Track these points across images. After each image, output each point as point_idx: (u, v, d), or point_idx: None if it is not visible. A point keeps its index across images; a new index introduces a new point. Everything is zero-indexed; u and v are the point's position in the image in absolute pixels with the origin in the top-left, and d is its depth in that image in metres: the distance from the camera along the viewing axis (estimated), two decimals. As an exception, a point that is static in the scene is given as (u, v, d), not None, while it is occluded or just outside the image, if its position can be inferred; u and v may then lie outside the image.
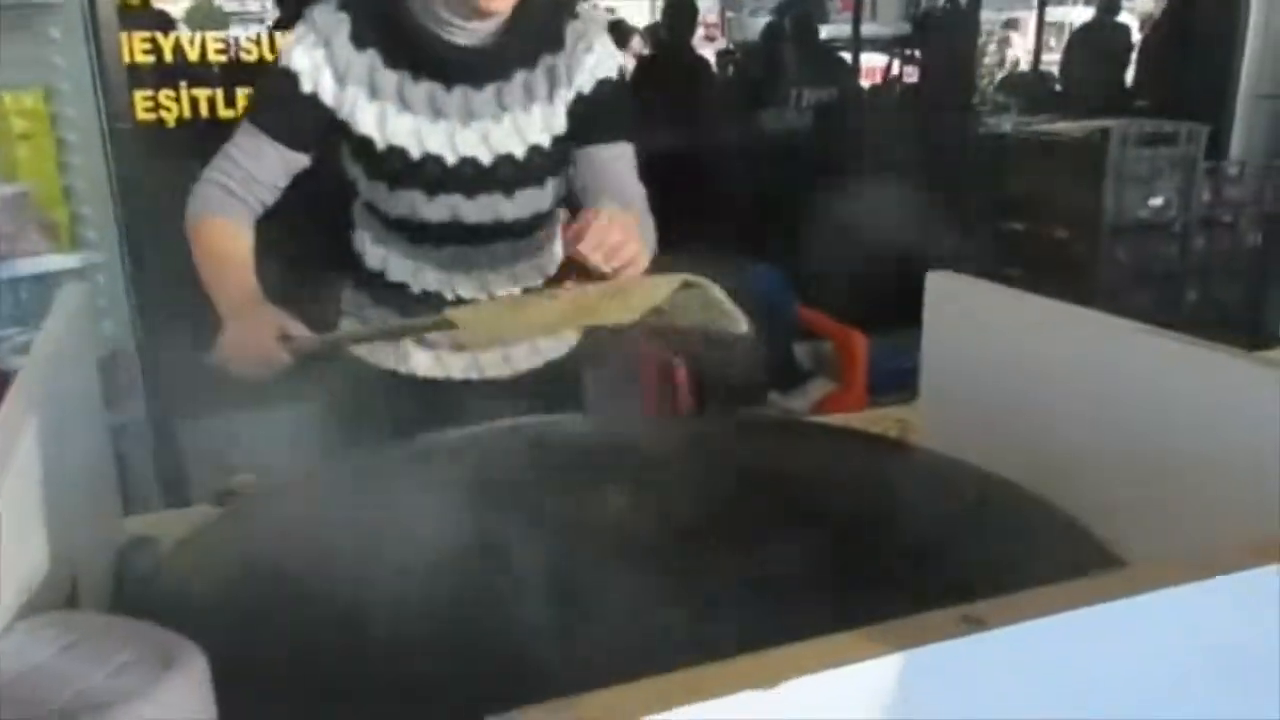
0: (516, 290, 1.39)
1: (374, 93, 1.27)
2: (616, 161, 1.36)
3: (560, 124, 1.33)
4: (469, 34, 1.28)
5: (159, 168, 2.17)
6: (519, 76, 1.31)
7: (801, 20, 5.80)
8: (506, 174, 1.32)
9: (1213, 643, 0.51)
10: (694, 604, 0.59)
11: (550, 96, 1.32)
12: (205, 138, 1.90)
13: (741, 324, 1.00)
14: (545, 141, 1.33)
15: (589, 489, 0.81)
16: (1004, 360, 0.98)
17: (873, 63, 6.51)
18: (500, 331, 1.14)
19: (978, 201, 3.45)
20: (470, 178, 1.31)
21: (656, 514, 0.78)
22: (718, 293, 1.00)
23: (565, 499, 0.79)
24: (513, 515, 0.73)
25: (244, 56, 2.57)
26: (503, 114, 1.31)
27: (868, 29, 6.00)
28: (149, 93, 2.47)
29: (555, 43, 1.32)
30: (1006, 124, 3.51)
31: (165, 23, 3.23)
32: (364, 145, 1.29)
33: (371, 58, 1.28)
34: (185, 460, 2.40)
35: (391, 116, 1.28)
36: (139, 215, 2.30)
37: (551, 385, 1.43)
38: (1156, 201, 3.14)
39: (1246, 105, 3.72)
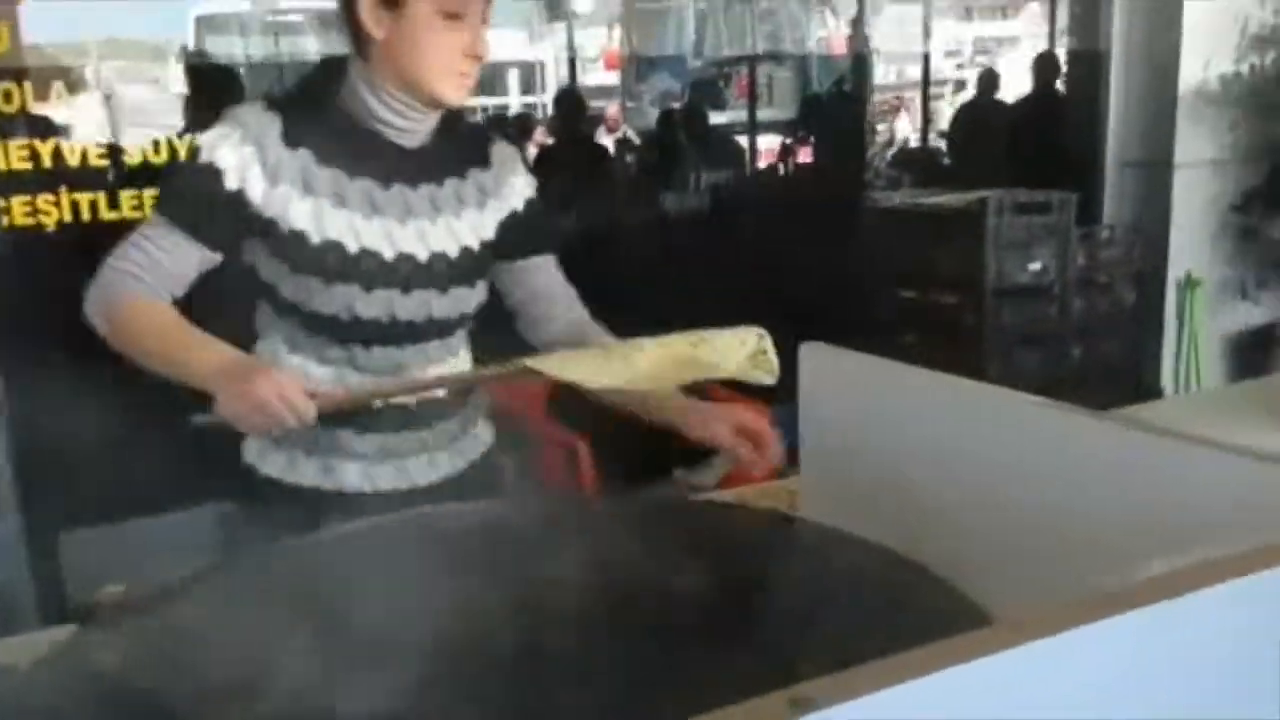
0: (440, 393, 1.39)
1: (307, 189, 1.28)
2: (551, 269, 1.47)
3: (489, 233, 1.39)
4: (407, 135, 1.33)
5: (33, 276, 2.12)
6: (450, 184, 1.37)
7: (692, 109, 6.02)
8: (441, 271, 1.35)
9: (1072, 695, 0.52)
10: (541, 685, 0.58)
11: (479, 205, 1.39)
12: (85, 246, 1.87)
13: (775, 377, 1.09)
14: (475, 245, 1.38)
15: (445, 578, 0.79)
16: (876, 428, 1.00)
17: (770, 144, 6.74)
18: (598, 379, 1.12)
19: (872, 272, 3.57)
20: (407, 274, 1.33)
21: (515, 600, 0.77)
22: (769, 344, 1.10)
23: (427, 589, 0.78)
24: (376, 613, 0.72)
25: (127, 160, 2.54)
26: (437, 215, 1.35)
27: (764, 114, 6.23)
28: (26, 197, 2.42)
29: (482, 159, 1.41)
30: (895, 197, 3.65)
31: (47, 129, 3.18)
32: (294, 240, 1.28)
33: (304, 157, 1.28)
34: (62, 573, 2.30)
35: (327, 211, 1.28)
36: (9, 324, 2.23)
37: (477, 483, 1.42)
38: (1035, 266, 3.29)
39: (1114, 172, 3.94)
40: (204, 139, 1.28)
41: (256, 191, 1.27)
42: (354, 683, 0.66)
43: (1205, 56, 3.74)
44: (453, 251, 1.36)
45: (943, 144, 7.07)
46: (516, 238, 1.43)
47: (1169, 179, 3.79)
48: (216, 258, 1.29)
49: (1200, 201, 3.86)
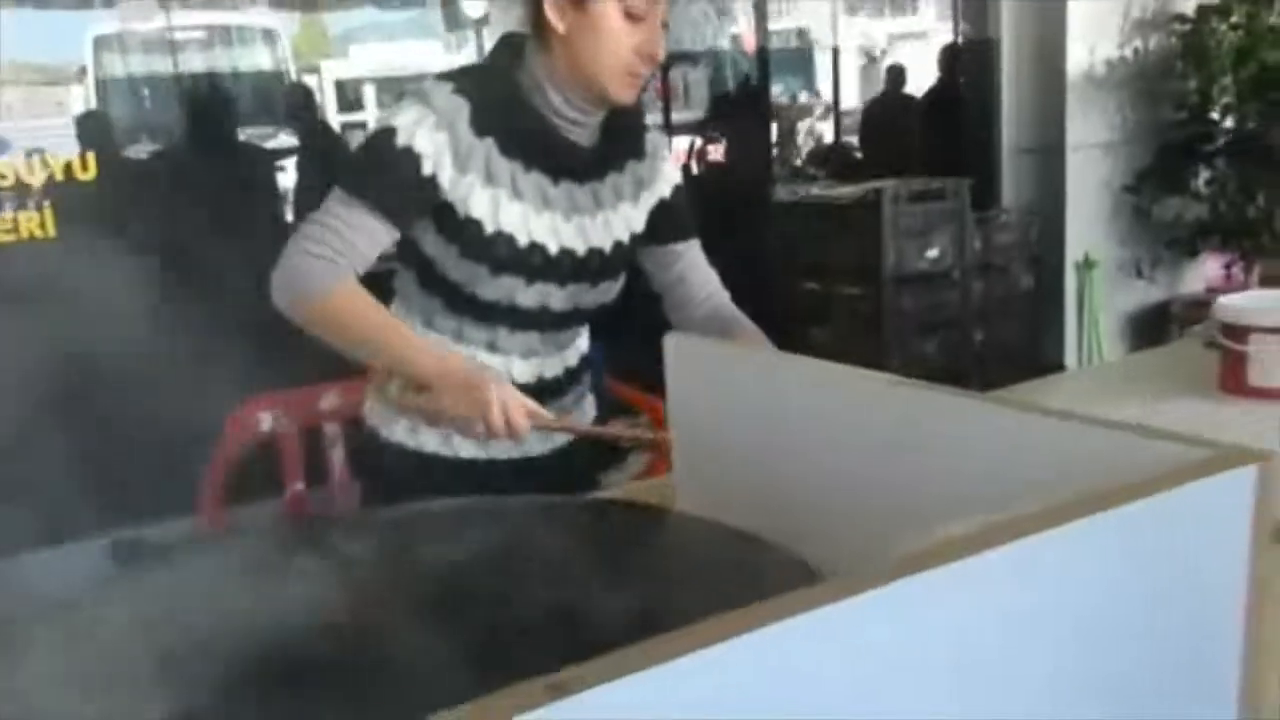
0: (559, 374, 1.45)
1: (489, 179, 1.30)
2: (695, 253, 1.50)
3: (640, 224, 1.43)
4: (579, 132, 1.35)
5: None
6: (610, 179, 1.40)
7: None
8: (594, 266, 1.39)
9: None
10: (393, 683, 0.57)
11: (634, 198, 1.42)
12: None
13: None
14: (626, 239, 1.42)
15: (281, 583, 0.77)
16: (741, 415, 1.00)
17: (683, 145, 6.78)
18: None
19: (778, 266, 3.60)
20: (566, 268, 1.36)
21: (353, 600, 0.76)
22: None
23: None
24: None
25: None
26: (598, 210, 1.38)
27: (681, 115, 6.26)
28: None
29: (639, 151, 1.43)
30: (797, 192, 3.69)
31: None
32: (469, 227, 1.30)
33: (489, 145, 1.30)
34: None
35: (504, 203, 1.31)
36: None
37: (585, 456, 1.50)
38: (933, 253, 3.35)
39: (1011, 158, 4.03)
40: (399, 122, 1.27)
41: (446, 177, 1.29)
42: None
43: (1091, 42, 3.85)
44: (607, 247, 1.39)
45: (855, 139, 7.20)
46: (664, 224, 1.46)
47: (1062, 163, 3.89)
48: (396, 236, 1.31)
49: (1094, 184, 3.97)
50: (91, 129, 4.81)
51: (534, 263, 1.35)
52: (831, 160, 6.75)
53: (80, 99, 6.46)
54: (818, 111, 9.37)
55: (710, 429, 1.07)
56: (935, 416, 0.78)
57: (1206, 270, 4.26)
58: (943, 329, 3.40)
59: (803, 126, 8.89)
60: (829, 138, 8.62)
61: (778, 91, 7.41)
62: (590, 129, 1.36)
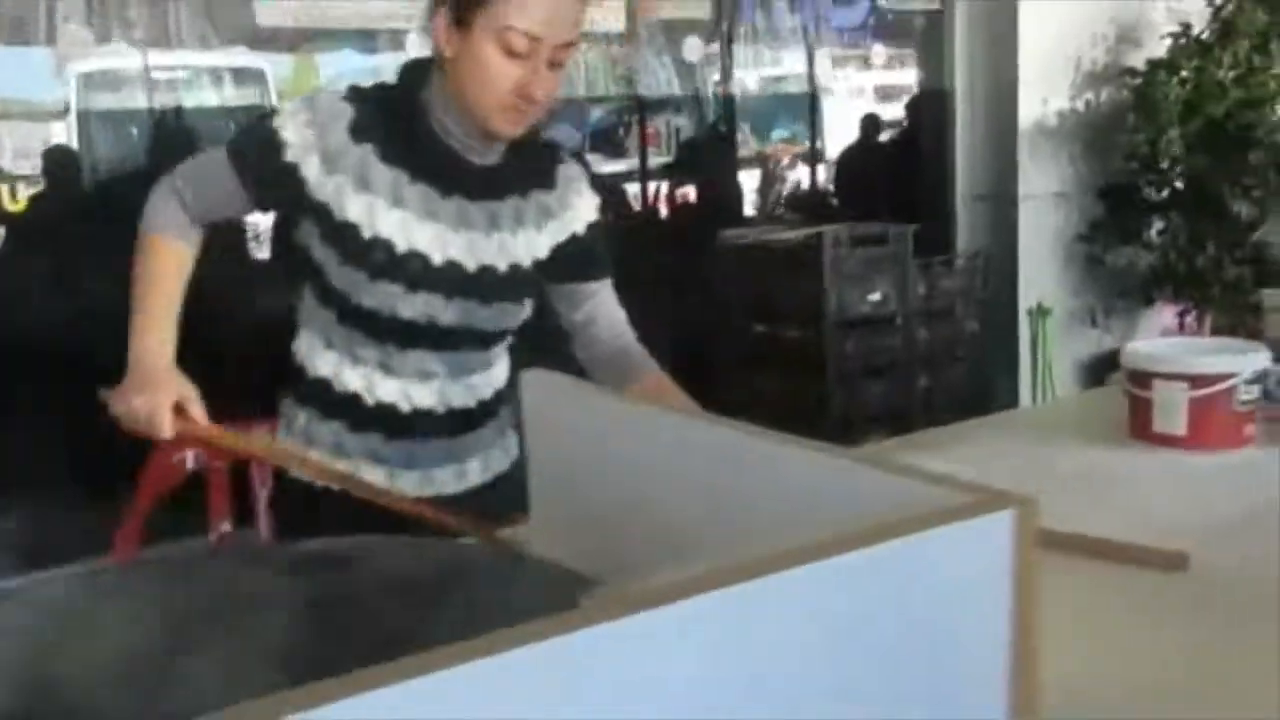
0: (470, 404, 1.44)
1: (363, 185, 1.32)
2: (606, 294, 1.48)
3: (543, 251, 1.41)
4: (475, 152, 1.36)
5: None
6: (511, 201, 1.39)
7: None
8: (488, 283, 1.38)
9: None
10: None
11: (538, 226, 1.41)
12: None
13: None
14: (526, 263, 1.40)
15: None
16: (588, 457, 0.99)
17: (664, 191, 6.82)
18: None
19: (725, 309, 3.61)
20: (452, 280, 1.35)
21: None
22: None
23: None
24: None
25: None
26: (492, 230, 1.37)
27: (662, 160, 6.31)
28: None
29: (548, 181, 1.43)
30: (744, 235, 3.71)
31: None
32: (346, 231, 1.31)
33: (366, 152, 1.31)
34: None
35: (381, 210, 1.31)
36: None
37: (505, 495, 1.42)
38: (875, 297, 3.37)
39: (966, 206, 4.06)
40: (283, 109, 1.36)
41: (311, 172, 1.31)
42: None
43: (1043, 93, 3.90)
44: (501, 266, 1.38)
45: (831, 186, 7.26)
46: (576, 261, 1.45)
47: (1014, 212, 3.92)
48: (251, 212, 1.40)
49: (1047, 232, 4.00)
50: (55, 162, 4.85)
51: (414, 270, 1.33)
52: (807, 205, 6.80)
53: (61, 134, 6.52)
54: (786, 160, 9.44)
55: (561, 470, 1.05)
56: (751, 460, 0.77)
57: (1162, 319, 4.29)
58: (887, 373, 3.41)
59: (782, 172, 8.96)
60: (805, 184, 8.75)
61: (747, 137, 7.50)
62: (491, 150, 1.37)
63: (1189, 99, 3.72)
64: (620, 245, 4.86)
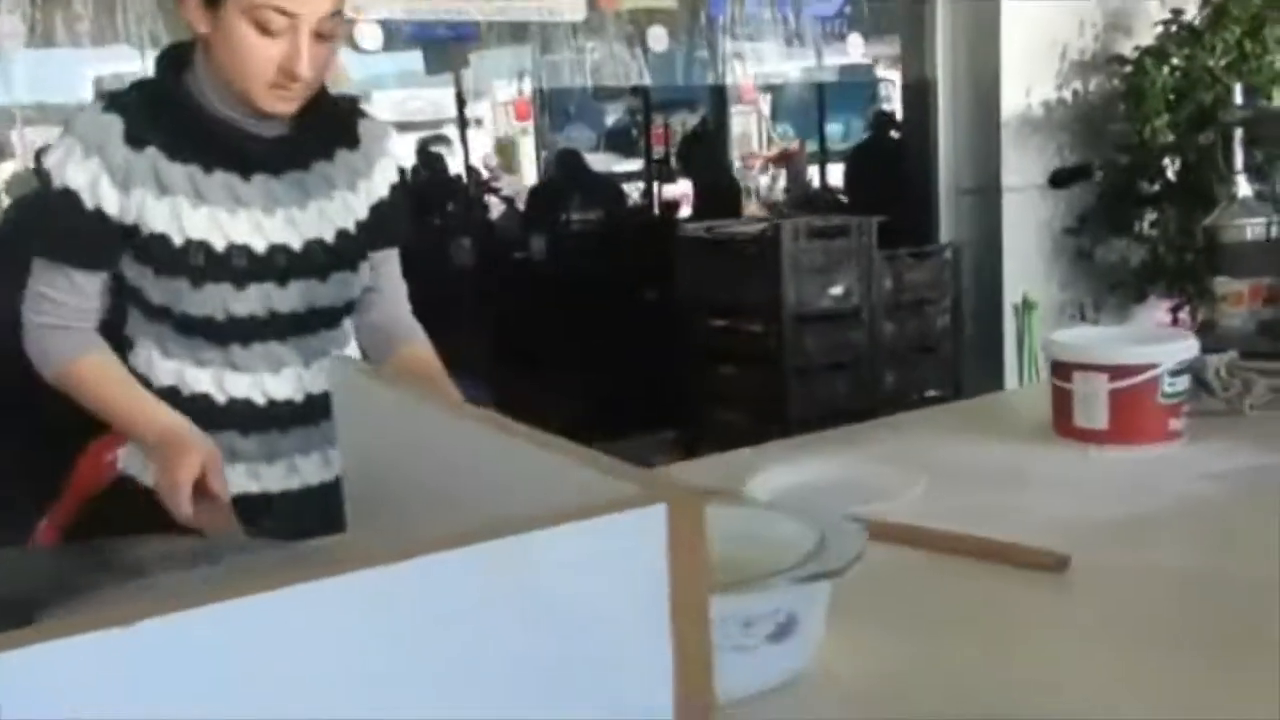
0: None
1: (162, 190, 1.22)
2: (394, 263, 1.44)
3: (364, 211, 1.35)
4: (260, 126, 1.27)
5: None
6: (317, 167, 1.32)
7: (564, 157, 6.04)
8: (319, 258, 1.31)
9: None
10: None
11: (351, 186, 1.34)
12: None
13: None
14: (351, 227, 1.34)
15: None
16: (377, 447, 0.92)
17: (679, 190, 6.76)
18: None
19: (686, 301, 3.53)
20: (282, 265, 1.28)
21: None
22: None
23: None
24: None
25: None
26: (307, 200, 1.30)
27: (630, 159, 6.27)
28: None
29: (350, 139, 1.36)
30: (705, 228, 3.62)
31: None
32: (157, 244, 1.23)
33: (153, 156, 1.22)
34: None
35: (186, 211, 1.23)
36: None
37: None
38: (836, 291, 3.26)
39: (950, 198, 3.96)
40: (50, 161, 1.24)
41: (112, 204, 1.23)
42: None
43: (1027, 83, 3.79)
44: (329, 236, 1.31)
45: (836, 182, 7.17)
46: (378, 226, 1.38)
47: (999, 203, 3.81)
48: (107, 279, 1.29)
49: (1033, 225, 3.89)
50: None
51: (239, 265, 1.26)
52: (816, 204, 6.71)
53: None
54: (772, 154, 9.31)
55: (362, 460, 0.99)
56: (476, 452, 0.70)
57: (1155, 314, 4.16)
58: (850, 368, 3.31)
59: (788, 170, 8.87)
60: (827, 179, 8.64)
61: (742, 132, 7.40)
62: (274, 124, 1.28)
63: (1179, 87, 3.60)
64: (598, 241, 4.82)
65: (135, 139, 1.22)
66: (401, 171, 1.43)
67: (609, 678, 0.51)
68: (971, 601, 1.01)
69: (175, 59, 1.28)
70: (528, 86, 8.87)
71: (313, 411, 1.36)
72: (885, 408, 3.19)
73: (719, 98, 5.71)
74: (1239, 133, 1.82)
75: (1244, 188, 1.81)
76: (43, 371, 1.28)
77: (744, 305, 3.33)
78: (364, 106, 1.45)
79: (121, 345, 1.34)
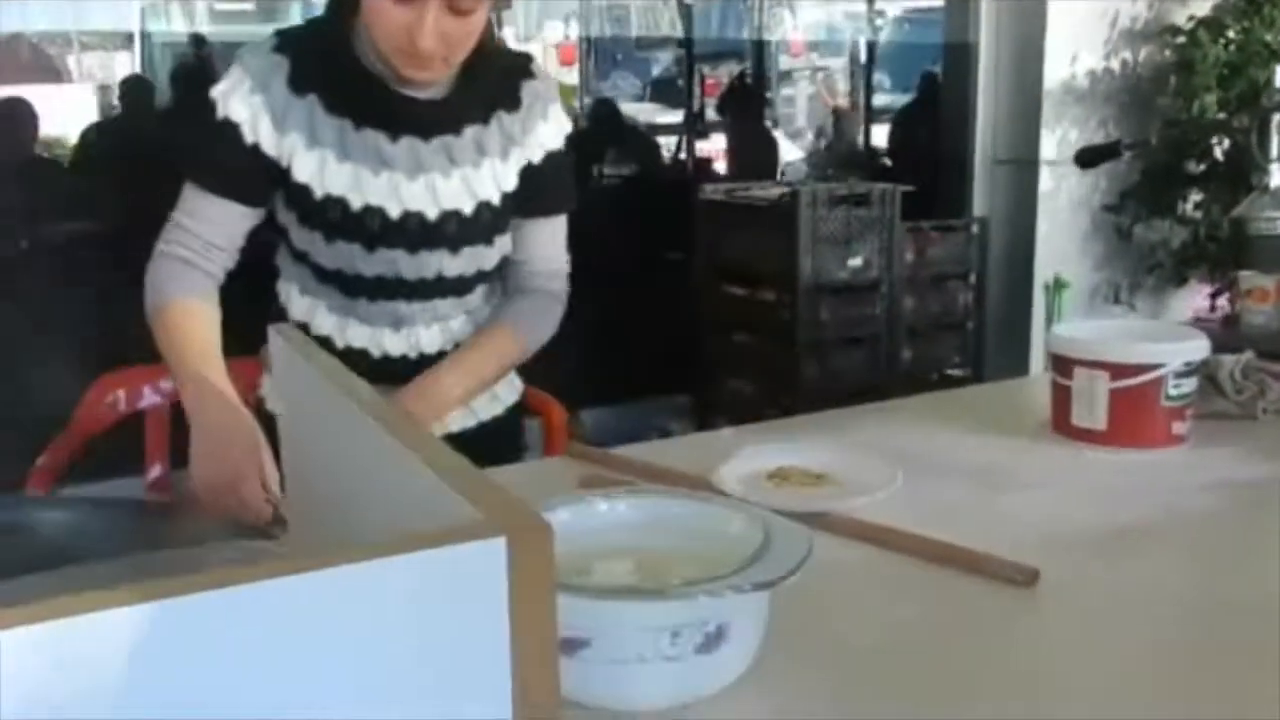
0: (448, 348, 1.35)
1: (313, 140, 1.21)
2: (553, 234, 1.37)
3: (511, 182, 1.30)
4: (416, 87, 1.24)
5: None
6: (470, 131, 1.28)
7: (599, 105, 5.93)
8: (453, 230, 1.28)
9: None
10: None
11: (503, 154, 1.30)
12: None
13: None
14: (495, 198, 1.29)
15: None
16: (305, 428, 0.88)
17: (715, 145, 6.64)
18: None
19: (700, 267, 3.45)
20: (414, 233, 1.26)
21: None
22: None
23: None
24: None
25: None
26: (452, 169, 1.27)
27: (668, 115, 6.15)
28: None
29: (511, 101, 1.30)
30: (724, 191, 3.52)
31: None
32: (300, 193, 1.22)
33: (311, 103, 1.21)
34: None
35: (331, 165, 1.22)
36: None
37: (488, 443, 1.38)
38: (855, 262, 3.17)
39: (985, 169, 3.83)
40: (216, 91, 1.23)
41: (269, 143, 1.22)
42: None
43: (1073, 51, 3.64)
44: (467, 208, 1.28)
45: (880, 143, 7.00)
46: (527, 193, 1.33)
47: (1035, 176, 3.68)
48: (260, 214, 1.26)
49: (1071, 201, 3.75)
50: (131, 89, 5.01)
51: (372, 228, 1.25)
52: (860, 165, 6.55)
53: (126, 64, 6.75)
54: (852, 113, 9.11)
55: (290, 434, 0.95)
56: (363, 445, 0.66)
57: (1195, 300, 4.02)
58: (867, 343, 3.22)
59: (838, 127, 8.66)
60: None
61: (787, 90, 7.23)
62: (431, 88, 1.25)
63: (1232, 62, 3.43)
64: (626, 197, 4.75)
65: (298, 84, 1.22)
66: (567, 136, 1.35)
67: (447, 711, 0.47)
68: (934, 611, 0.97)
69: (342, 7, 1.24)
70: (574, 30, 8.76)
71: (423, 368, 1.34)
72: (901, 384, 3.12)
73: (762, 51, 5.56)
74: (1277, 118, 1.71)
75: (1278, 176, 1.71)
76: (147, 300, 1.24)
77: (760, 273, 3.25)
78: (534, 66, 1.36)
79: (272, 273, 1.37)
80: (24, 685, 0.39)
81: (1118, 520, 1.16)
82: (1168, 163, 3.66)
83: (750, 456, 1.29)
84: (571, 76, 8.76)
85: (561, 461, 1.39)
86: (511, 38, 7.55)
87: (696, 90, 6.31)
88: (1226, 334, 1.54)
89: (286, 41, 1.25)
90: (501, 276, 1.40)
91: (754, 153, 5.45)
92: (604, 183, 5.20)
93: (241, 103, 1.21)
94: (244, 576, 0.44)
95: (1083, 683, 0.83)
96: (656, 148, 6.02)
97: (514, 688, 0.46)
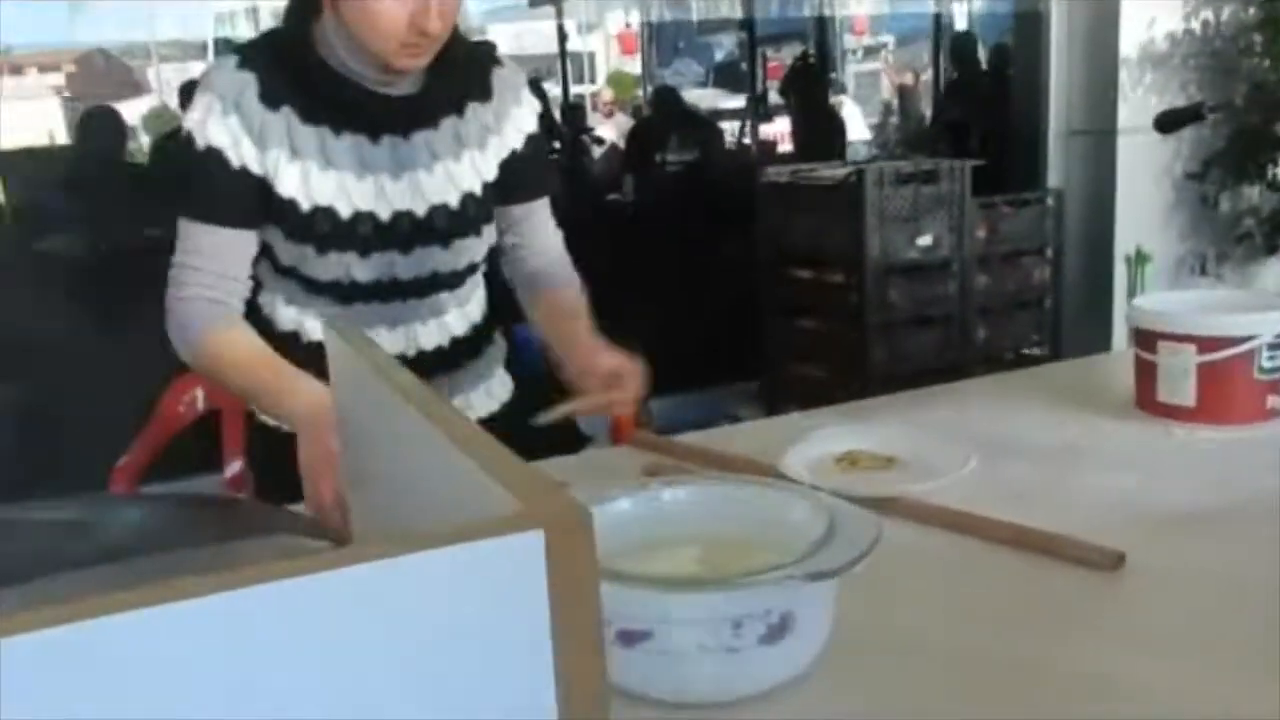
0: (444, 343, 1.36)
1: (294, 152, 1.21)
2: (542, 214, 1.39)
3: (492, 171, 1.30)
4: (390, 85, 1.23)
5: None
6: (447, 124, 1.27)
7: (661, 93, 5.89)
8: (442, 225, 1.28)
9: None
10: None
11: (481, 144, 1.30)
12: None
13: None
14: (477, 189, 1.30)
15: None
16: (358, 423, 0.87)
17: (778, 129, 6.56)
18: None
19: (765, 251, 3.39)
20: (405, 233, 1.26)
21: None
22: None
23: None
24: None
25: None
26: (434, 163, 1.26)
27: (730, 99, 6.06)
28: None
29: (483, 91, 1.30)
30: (787, 172, 3.45)
31: None
32: (287, 208, 1.22)
33: (287, 116, 1.21)
34: None
35: (315, 175, 1.21)
36: None
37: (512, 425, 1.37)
38: (925, 241, 3.07)
39: (1060, 141, 3.70)
40: (190, 121, 1.21)
41: (254, 161, 1.20)
42: None
43: (1150, 13, 3.49)
44: (453, 201, 1.28)
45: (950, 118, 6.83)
46: (514, 180, 1.34)
47: (1113, 146, 3.54)
48: (258, 236, 1.24)
49: (1152, 171, 3.61)
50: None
51: (363, 234, 1.24)
52: (923, 140, 6.40)
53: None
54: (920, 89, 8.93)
55: (346, 430, 0.95)
56: (410, 436, 0.65)
57: (1286, 269, 3.85)
58: (939, 323, 3.13)
59: (905, 104, 8.49)
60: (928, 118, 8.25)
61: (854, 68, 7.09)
62: (405, 82, 1.24)
63: (1323, 17, 3.27)
64: (690, 183, 4.70)
65: (270, 98, 1.20)
66: (542, 118, 1.37)
67: (488, 708, 0.46)
68: (1011, 598, 0.92)
69: (303, 12, 1.23)
70: (635, 19, 8.71)
71: (422, 367, 1.34)
72: (976, 364, 3.04)
73: (824, 30, 5.45)
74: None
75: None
76: (181, 352, 1.22)
77: (826, 255, 3.18)
78: (499, 54, 1.37)
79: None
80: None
81: (1209, 501, 1.10)
82: (1254, 126, 3.50)
83: (818, 441, 1.26)
84: (634, 66, 8.73)
85: (627, 451, 1.37)
86: (574, 30, 7.55)
87: (759, 73, 6.22)
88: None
89: (250, 56, 1.22)
90: (513, 270, 1.41)
91: (818, 134, 5.35)
92: (667, 169, 5.16)
93: (219, 127, 1.19)
94: (272, 574, 0.42)
95: (1169, 677, 0.78)
96: (720, 133, 5.96)
97: (558, 681, 0.45)
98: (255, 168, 1.20)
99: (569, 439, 2.89)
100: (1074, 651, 0.82)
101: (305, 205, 1.21)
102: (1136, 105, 3.53)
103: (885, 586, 0.82)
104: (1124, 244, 3.59)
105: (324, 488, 1.06)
